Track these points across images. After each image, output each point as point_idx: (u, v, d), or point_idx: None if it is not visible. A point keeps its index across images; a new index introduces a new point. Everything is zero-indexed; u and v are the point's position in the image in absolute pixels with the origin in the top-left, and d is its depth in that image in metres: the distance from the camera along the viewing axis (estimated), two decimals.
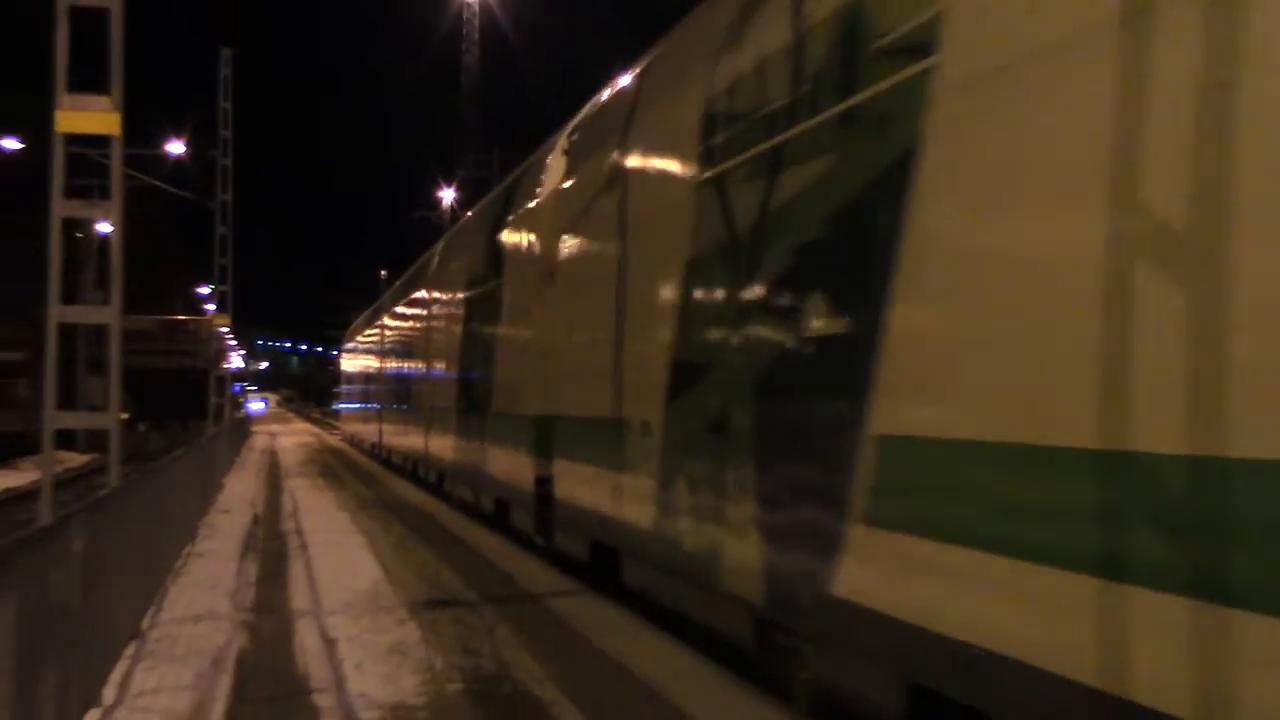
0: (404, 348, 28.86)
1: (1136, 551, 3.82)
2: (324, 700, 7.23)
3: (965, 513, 4.76)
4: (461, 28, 46.17)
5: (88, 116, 11.03)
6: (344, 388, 56.39)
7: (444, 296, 21.47)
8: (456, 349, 19.40)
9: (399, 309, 30.01)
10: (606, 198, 10.41)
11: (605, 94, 12.14)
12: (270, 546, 14.73)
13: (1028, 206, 4.54)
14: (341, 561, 13.22)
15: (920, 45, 5.15)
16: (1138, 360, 3.85)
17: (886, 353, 5.34)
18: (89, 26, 11.13)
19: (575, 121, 13.00)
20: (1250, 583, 3.36)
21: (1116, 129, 3.98)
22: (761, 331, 6.87)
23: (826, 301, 6.04)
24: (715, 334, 7.64)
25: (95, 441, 32.13)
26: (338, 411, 68.04)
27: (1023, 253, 4.55)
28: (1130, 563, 3.83)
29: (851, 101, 5.81)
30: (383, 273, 75.31)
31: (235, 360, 71.94)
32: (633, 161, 9.78)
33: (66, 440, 32.07)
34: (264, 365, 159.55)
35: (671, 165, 8.77)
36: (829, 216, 6.06)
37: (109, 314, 11.86)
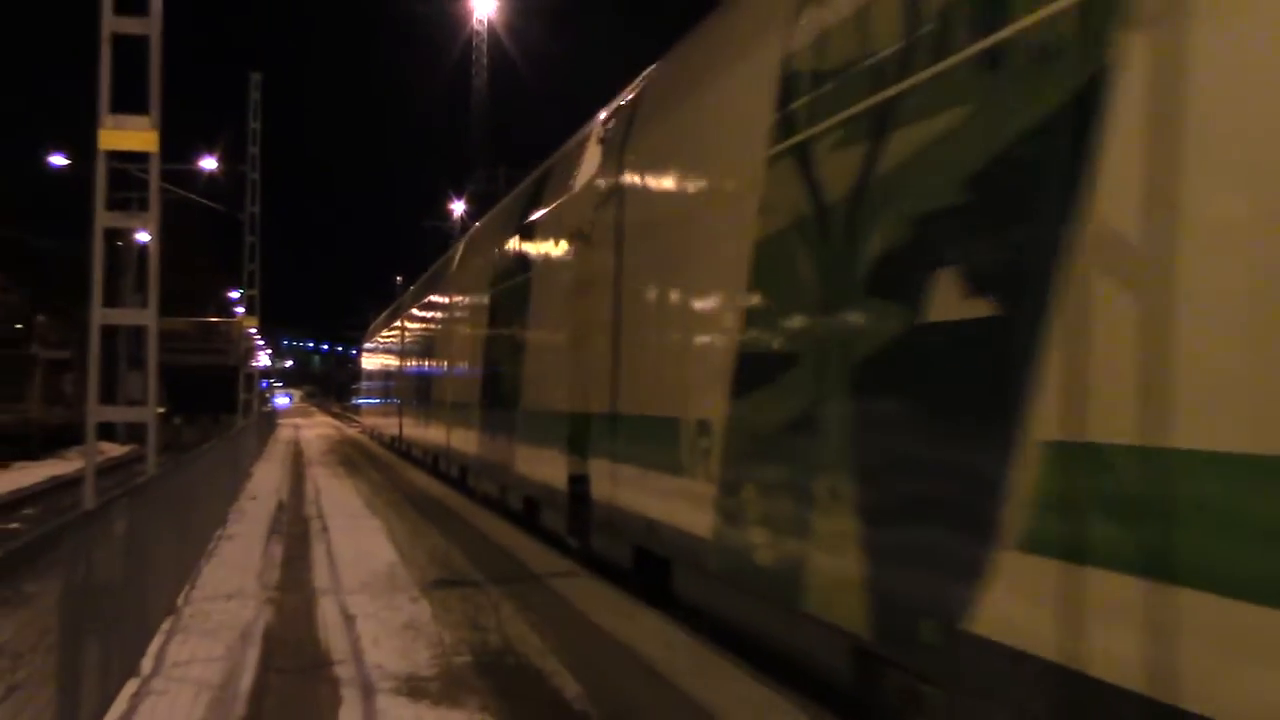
0: (427, 343, 27.10)
1: None
2: (344, 671, 7.24)
3: (1177, 539, 3.47)
4: (471, 54, 46.22)
5: (128, 135, 11.02)
6: (364, 383, 55.93)
7: (468, 292, 20.04)
8: (482, 344, 17.91)
9: (421, 306, 28.62)
10: (657, 179, 9.11)
11: (648, 74, 10.75)
12: (294, 530, 14.69)
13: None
14: (359, 544, 13.19)
15: None
16: None
17: (1066, 340, 4.02)
18: (129, 52, 11.14)
19: (611, 108, 11.62)
20: None
21: None
22: (870, 318, 5.45)
23: (972, 281, 4.61)
24: (800, 321, 6.27)
25: (134, 433, 32.15)
26: (356, 406, 67.82)
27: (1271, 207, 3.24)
28: None
29: (1007, 32, 4.42)
30: (398, 278, 75.21)
31: (263, 359, 71.68)
32: (688, 137, 8.43)
33: (108, 432, 32.07)
34: (289, 363, 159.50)
35: (739, 136, 7.22)
36: (974, 177, 4.61)
37: (147, 316, 11.88)
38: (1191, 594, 3.38)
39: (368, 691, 6.74)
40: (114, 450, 32.10)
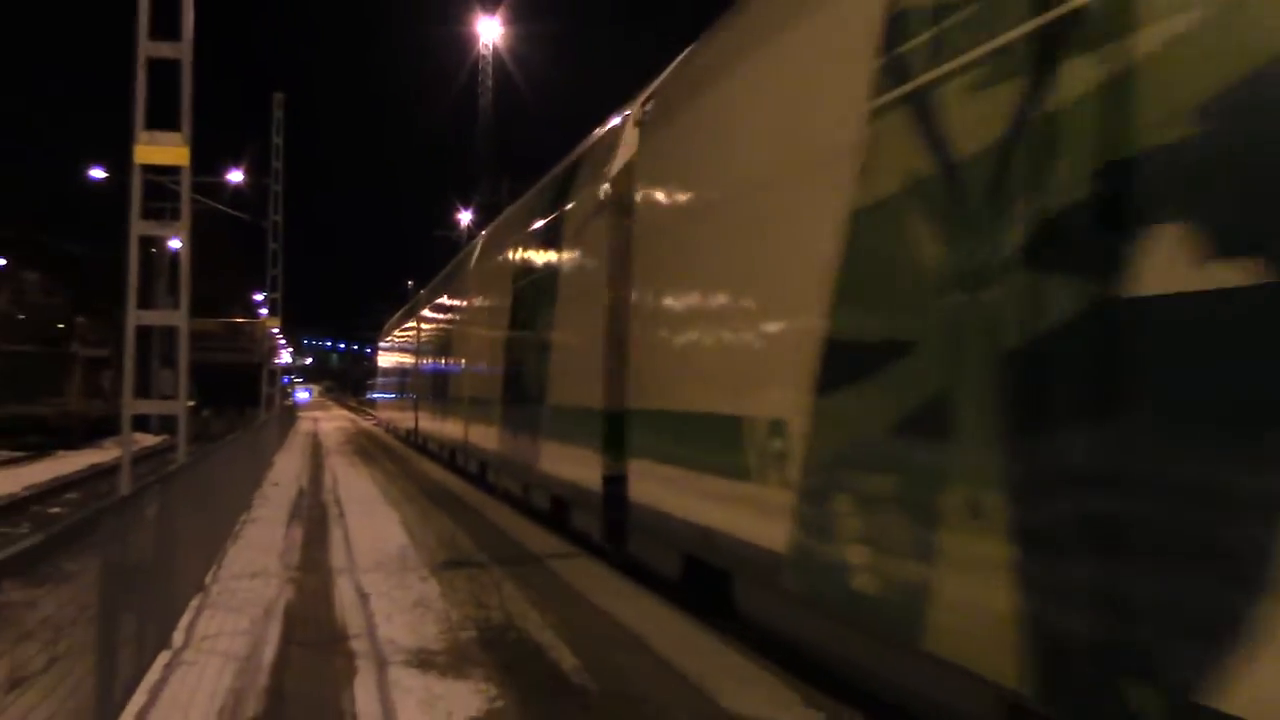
0: (444, 338, 24.90)
1: None
2: (359, 645, 7.25)
3: None
4: (477, 75, 46.24)
5: (161, 150, 11.03)
6: (380, 379, 55.36)
7: (488, 287, 18.32)
8: (504, 338, 16.10)
9: (437, 303, 26.70)
10: (715, 149, 7.59)
11: (695, 48, 9.16)
12: (313, 515, 14.67)
13: None
14: (374, 528, 13.17)
15: None
16: None
17: None
18: (163, 74, 11.14)
19: (650, 90, 10.25)
20: None
21: None
22: (1034, 295, 3.95)
23: (1219, 237, 3.21)
24: (922, 301, 4.70)
25: (166, 425, 32.04)
26: (372, 400, 67.47)
27: None
28: None
29: None
30: (409, 282, 75.05)
31: (284, 356, 71.57)
32: (756, 101, 6.89)
33: (142, 424, 31.94)
34: (309, 360, 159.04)
35: (828, 91, 5.76)
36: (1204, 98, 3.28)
37: (178, 317, 11.89)
38: None
39: (381, 664, 6.75)
40: (148, 440, 31.99)
